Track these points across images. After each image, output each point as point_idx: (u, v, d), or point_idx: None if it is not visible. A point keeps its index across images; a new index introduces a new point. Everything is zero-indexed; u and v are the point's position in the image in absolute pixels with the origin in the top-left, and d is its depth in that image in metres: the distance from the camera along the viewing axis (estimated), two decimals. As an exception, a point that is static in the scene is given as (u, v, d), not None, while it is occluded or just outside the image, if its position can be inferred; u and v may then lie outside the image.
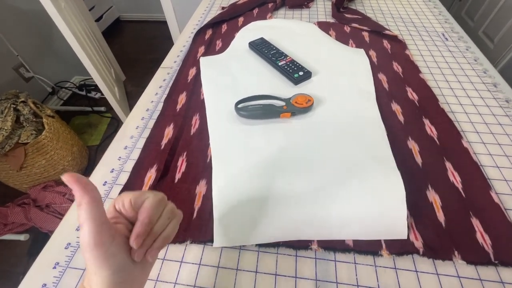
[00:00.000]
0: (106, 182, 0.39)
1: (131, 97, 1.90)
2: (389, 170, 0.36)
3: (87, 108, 1.75)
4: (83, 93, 1.87)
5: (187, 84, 0.55)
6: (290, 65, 0.55)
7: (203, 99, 0.51)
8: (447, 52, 0.60)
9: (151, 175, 0.39)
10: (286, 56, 0.57)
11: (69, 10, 1.22)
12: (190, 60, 0.61)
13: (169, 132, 0.46)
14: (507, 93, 0.51)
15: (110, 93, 1.40)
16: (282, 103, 0.48)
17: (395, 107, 0.48)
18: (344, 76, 0.54)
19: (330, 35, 0.66)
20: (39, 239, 1.19)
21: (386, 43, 0.63)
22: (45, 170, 1.21)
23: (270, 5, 0.78)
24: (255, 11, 0.76)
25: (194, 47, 0.65)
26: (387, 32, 0.64)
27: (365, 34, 0.66)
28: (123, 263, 0.20)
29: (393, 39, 0.63)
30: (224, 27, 0.71)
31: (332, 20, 0.72)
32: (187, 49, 0.65)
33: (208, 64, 0.59)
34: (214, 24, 0.72)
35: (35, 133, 1.13)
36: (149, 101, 0.52)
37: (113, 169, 0.41)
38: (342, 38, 0.65)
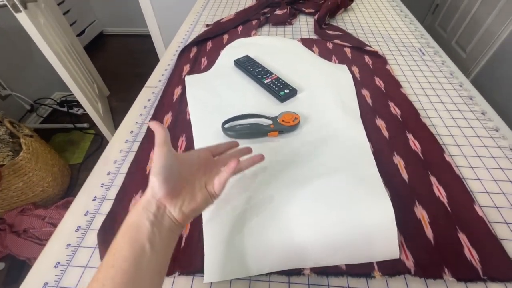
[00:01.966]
0: (87, 212, 0.37)
1: (116, 112, 1.86)
2: (377, 191, 0.36)
3: (69, 125, 1.69)
4: (65, 109, 1.81)
5: (173, 104, 0.54)
6: (276, 82, 0.55)
7: (189, 119, 0.51)
8: (424, 67, 0.63)
9: (135, 203, 0.38)
10: (271, 73, 0.57)
11: (49, 26, 1.20)
12: (175, 79, 0.60)
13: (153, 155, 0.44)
14: (482, 105, 0.53)
15: (93, 110, 1.36)
16: (269, 122, 0.48)
17: (380, 122, 0.49)
18: (328, 93, 0.55)
19: (314, 52, 0.68)
20: (16, 267, 1.11)
21: (367, 59, 0.65)
22: (22, 193, 1.15)
23: (254, 22, 0.79)
24: (240, 28, 0.77)
25: (179, 65, 0.65)
26: (368, 48, 0.66)
27: (347, 50, 0.68)
28: (176, 161, 0.27)
29: (374, 54, 0.65)
30: (209, 44, 0.72)
31: (315, 37, 0.74)
32: (172, 68, 0.64)
33: (193, 83, 0.58)
34: (199, 41, 0.72)
35: (12, 154, 1.08)
36: (133, 123, 0.51)
37: (95, 197, 0.39)
38: (325, 54, 0.67)
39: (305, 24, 0.80)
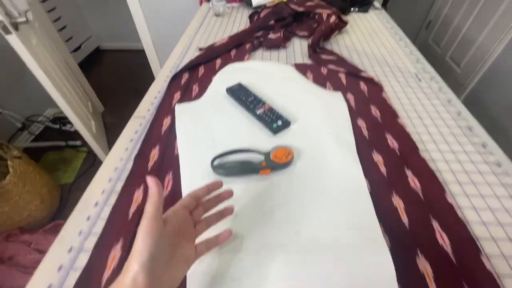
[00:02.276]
0: (61, 266, 0.34)
1: (110, 129, 1.83)
2: (376, 244, 0.33)
3: (61, 143, 1.66)
4: (57, 126, 1.78)
5: (161, 137, 0.52)
6: (269, 113, 0.53)
7: (177, 154, 0.48)
8: (421, 94, 0.62)
9: (115, 255, 0.35)
10: (264, 103, 0.55)
11: (41, 46, 1.18)
12: (165, 108, 0.58)
13: (138, 196, 0.42)
14: (482, 136, 0.51)
15: (86, 129, 1.33)
16: (261, 158, 0.45)
17: (377, 157, 0.47)
18: (323, 124, 0.53)
19: (308, 77, 0.66)
20: (-2, 298, 1.05)
21: (363, 85, 0.63)
22: (8, 217, 1.10)
23: (247, 45, 0.78)
24: (233, 52, 0.76)
25: (170, 93, 0.63)
26: (363, 74, 0.65)
27: (342, 76, 0.67)
28: (164, 243, 0.25)
29: (370, 81, 0.64)
30: (201, 70, 0.70)
31: (309, 62, 0.73)
32: (162, 96, 0.62)
33: (183, 113, 0.56)
34: (191, 67, 0.70)
35: (-2, 178, 1.04)
36: (118, 159, 0.48)
37: (71, 247, 0.36)
38: (320, 80, 0.65)
39: (299, 48, 0.79)
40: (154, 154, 0.49)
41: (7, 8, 0.96)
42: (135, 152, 0.49)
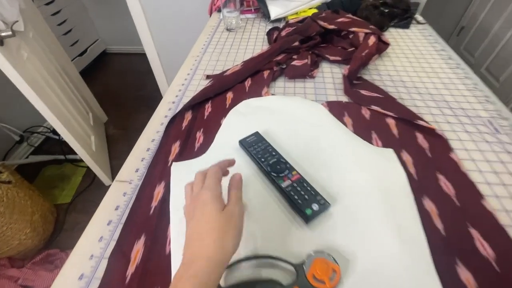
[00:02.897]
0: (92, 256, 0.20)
1: (112, 141, 1.72)
2: None
3: (60, 157, 1.56)
4: (58, 137, 1.68)
5: (148, 220, 0.38)
6: (298, 188, 0.38)
7: (169, 253, 0.34)
8: (504, 154, 0.45)
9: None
10: (291, 169, 0.40)
11: (34, 57, 1.07)
12: (158, 169, 0.44)
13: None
14: None
15: (83, 147, 1.22)
16: (290, 273, 0.30)
17: (464, 274, 0.31)
18: (376, 207, 0.37)
19: (346, 123, 0.51)
20: None
21: (421, 139, 0.47)
22: (-6, 250, 1.00)
23: (265, 74, 0.63)
24: (248, 83, 0.61)
25: (166, 144, 0.48)
26: (420, 122, 0.49)
27: (391, 122, 0.51)
28: None
29: (430, 132, 0.48)
30: (208, 108, 0.56)
31: (344, 98, 0.57)
32: (156, 147, 0.48)
33: (181, 177, 0.42)
34: (195, 104, 0.56)
35: (-19, 210, 0.93)
36: (87, 257, 0.34)
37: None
38: (361, 127, 0.50)
39: (329, 77, 0.63)
40: (137, 251, 0.34)
41: (-10, 21, 0.84)
42: (108, 251, 0.35)
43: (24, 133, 1.55)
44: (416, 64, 0.67)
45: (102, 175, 1.38)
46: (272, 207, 0.38)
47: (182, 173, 0.43)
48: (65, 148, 1.63)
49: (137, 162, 0.46)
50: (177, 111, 0.54)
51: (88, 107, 1.59)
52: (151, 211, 0.39)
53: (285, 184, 0.39)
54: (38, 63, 1.09)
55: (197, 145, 0.48)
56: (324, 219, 0.36)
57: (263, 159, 0.42)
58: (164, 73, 1.69)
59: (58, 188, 1.46)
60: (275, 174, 0.40)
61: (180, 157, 0.46)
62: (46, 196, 1.31)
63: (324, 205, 0.37)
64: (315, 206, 0.36)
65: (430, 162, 0.44)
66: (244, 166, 0.43)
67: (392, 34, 0.80)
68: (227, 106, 0.56)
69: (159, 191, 0.41)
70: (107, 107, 1.88)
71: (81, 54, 2.22)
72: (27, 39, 1.07)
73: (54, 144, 1.73)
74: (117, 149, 1.70)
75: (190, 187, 0.32)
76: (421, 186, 0.40)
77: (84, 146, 1.25)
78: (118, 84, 2.24)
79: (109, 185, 0.44)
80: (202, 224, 0.26)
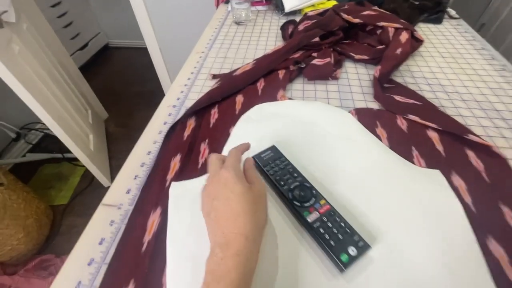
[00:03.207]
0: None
1: (112, 140, 1.65)
2: None
3: (58, 155, 1.49)
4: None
5: (139, 260, 0.30)
6: (329, 224, 0.30)
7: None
8: None
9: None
10: (318, 197, 0.32)
11: (28, 52, 0.99)
12: (153, 191, 0.36)
13: None
14: None
15: (79, 147, 1.15)
16: None
17: None
18: (428, 248, 0.29)
19: (380, 136, 0.42)
20: None
21: (474, 158, 0.39)
22: (-17, 257, 0.94)
23: (281, 74, 0.54)
24: (260, 84, 0.53)
25: (164, 158, 0.40)
26: (472, 137, 0.40)
27: (434, 136, 0.42)
28: None
29: (484, 149, 0.39)
30: (214, 114, 0.47)
31: (375, 105, 0.48)
32: (153, 162, 0.40)
33: (182, 202, 0.34)
34: (199, 110, 0.48)
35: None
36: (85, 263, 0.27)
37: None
38: (399, 143, 0.41)
39: (355, 78, 0.55)
40: (123, 304, 0.27)
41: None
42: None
43: (21, 130, 1.49)
44: (454, 64, 0.58)
45: (100, 176, 1.32)
46: (295, 247, 0.30)
47: (182, 197, 0.35)
48: (63, 146, 1.57)
49: (129, 181, 0.38)
50: (178, 117, 0.46)
51: (87, 103, 1.52)
52: (144, 248, 0.31)
53: (312, 217, 0.30)
54: (32, 57, 1.02)
55: (201, 160, 0.40)
56: (362, 265, 0.28)
57: (282, 182, 0.34)
58: (167, 69, 1.61)
59: (55, 188, 1.39)
60: (298, 204, 0.32)
61: (181, 175, 0.38)
62: (42, 197, 1.25)
63: (363, 247, 0.28)
64: (352, 250, 0.28)
65: (489, 190, 0.35)
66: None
67: (422, 30, 0.71)
68: (237, 112, 0.47)
69: (154, 220, 0.33)
70: (108, 103, 1.81)
71: (81, 48, 2.15)
72: (19, 31, 0.99)
73: (52, 141, 1.66)
74: (117, 148, 1.63)
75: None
76: (482, 223, 0.32)
77: (81, 145, 1.18)
78: (120, 80, 2.17)
79: (108, 187, 0.38)
80: (232, 204, 0.26)
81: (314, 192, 0.33)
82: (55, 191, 1.38)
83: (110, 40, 2.47)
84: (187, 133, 0.44)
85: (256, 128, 0.44)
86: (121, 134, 1.72)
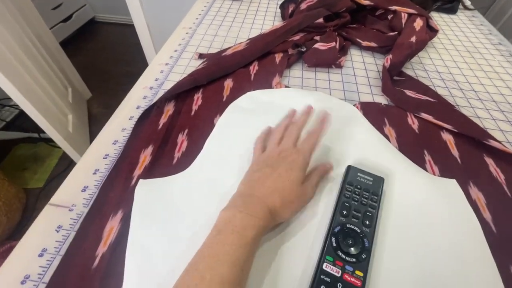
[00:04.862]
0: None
1: (95, 122, 1.55)
2: None
3: (34, 135, 1.39)
4: (33, 113, 1.50)
5: (86, 280, 0.24)
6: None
7: None
8: None
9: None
10: (361, 264, 0.23)
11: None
12: (115, 190, 0.30)
13: None
14: None
15: (54, 128, 1.05)
16: None
17: None
18: (444, 272, 0.24)
19: (388, 136, 0.36)
20: None
21: (493, 167, 0.34)
22: None
23: (278, 57, 0.47)
24: (253, 68, 0.46)
25: (132, 149, 0.34)
26: (493, 143, 0.35)
27: (449, 139, 0.37)
28: None
29: (504, 157, 0.34)
30: (198, 100, 0.40)
31: (383, 100, 0.42)
32: (118, 155, 0.33)
33: (149, 206, 0.28)
34: (180, 93, 0.40)
35: None
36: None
37: None
38: (409, 145, 0.36)
39: (361, 68, 0.48)
40: None
41: None
42: None
43: (-7, 106, 1.37)
44: (470, 59, 0.52)
45: (79, 159, 1.23)
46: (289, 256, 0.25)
47: (151, 199, 0.28)
48: (42, 125, 1.46)
49: (86, 176, 0.31)
50: (154, 101, 0.39)
51: (68, 81, 1.41)
52: (95, 263, 0.25)
53: (329, 269, 0.23)
54: (2, 28, 0.90)
55: (177, 154, 0.33)
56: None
57: (345, 212, 0.27)
58: (154, 48, 1.50)
59: (29, 170, 1.30)
60: (334, 244, 0.25)
61: (151, 171, 0.31)
62: (15, 179, 1.16)
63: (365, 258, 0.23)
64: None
65: (510, 200, 0.30)
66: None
67: (435, 20, 0.64)
68: (224, 99, 0.40)
69: (112, 227, 0.27)
70: (92, 82, 1.69)
71: (64, 20, 1.99)
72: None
73: (29, 119, 1.55)
74: (100, 130, 1.54)
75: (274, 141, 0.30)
76: (504, 246, 0.27)
77: (57, 125, 1.08)
78: (107, 57, 2.03)
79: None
80: (281, 185, 0.25)
81: (364, 255, 0.24)
82: (30, 173, 1.29)
83: (97, 14, 2.30)
84: (163, 120, 0.37)
85: (247, 120, 0.37)
86: (105, 115, 1.62)
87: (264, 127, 0.34)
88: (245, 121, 0.37)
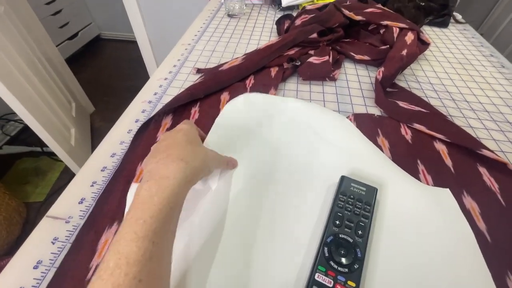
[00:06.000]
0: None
1: (97, 135, 1.57)
2: None
3: (37, 149, 1.41)
4: (37, 127, 1.53)
5: (81, 292, 0.24)
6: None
7: None
8: None
9: None
10: (354, 274, 0.24)
11: (4, 38, 0.91)
12: (112, 202, 0.30)
13: None
14: None
15: (57, 142, 1.07)
16: None
17: None
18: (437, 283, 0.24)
19: (381, 147, 0.37)
20: None
21: (487, 176, 0.34)
22: None
23: (273, 71, 0.49)
24: (249, 82, 0.47)
25: (130, 162, 0.34)
26: (486, 152, 0.35)
27: (442, 149, 0.37)
28: None
29: (498, 167, 0.35)
30: (195, 113, 0.41)
31: (376, 111, 0.43)
32: (116, 167, 0.34)
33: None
34: (178, 107, 0.42)
35: None
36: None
37: None
38: (403, 155, 0.36)
39: (355, 80, 0.50)
40: None
41: None
42: None
43: (-2, 121, 1.40)
44: (462, 71, 0.54)
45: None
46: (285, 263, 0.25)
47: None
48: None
49: (84, 188, 0.32)
50: (152, 114, 0.40)
51: (72, 96, 1.44)
52: (89, 275, 0.25)
53: (321, 279, 0.23)
54: (8, 43, 0.94)
55: (173, 166, 0.34)
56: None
57: (338, 222, 0.27)
58: (156, 63, 1.55)
59: (31, 184, 1.31)
60: (327, 255, 0.25)
61: (148, 183, 0.32)
62: (16, 193, 1.17)
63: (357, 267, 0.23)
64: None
65: (506, 215, 0.30)
66: (244, 204, 0.29)
67: (427, 33, 0.66)
68: (221, 109, 0.42)
69: (107, 239, 0.27)
70: (96, 97, 1.73)
71: (71, 38, 2.06)
72: (-4, 15, 0.92)
73: (32, 134, 1.57)
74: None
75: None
76: (499, 256, 0.27)
77: (60, 139, 1.10)
78: (111, 73, 2.08)
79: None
80: (170, 143, 0.26)
81: (356, 266, 0.24)
82: (31, 187, 1.30)
83: (103, 31, 2.38)
84: (161, 133, 0.38)
85: (242, 119, 0.38)
86: (107, 129, 1.62)
87: (255, 129, 0.36)
88: (240, 121, 0.39)
